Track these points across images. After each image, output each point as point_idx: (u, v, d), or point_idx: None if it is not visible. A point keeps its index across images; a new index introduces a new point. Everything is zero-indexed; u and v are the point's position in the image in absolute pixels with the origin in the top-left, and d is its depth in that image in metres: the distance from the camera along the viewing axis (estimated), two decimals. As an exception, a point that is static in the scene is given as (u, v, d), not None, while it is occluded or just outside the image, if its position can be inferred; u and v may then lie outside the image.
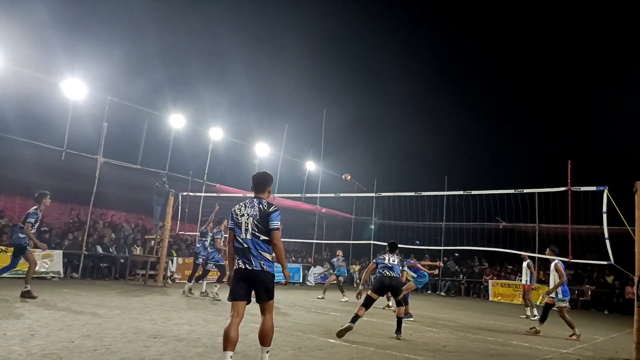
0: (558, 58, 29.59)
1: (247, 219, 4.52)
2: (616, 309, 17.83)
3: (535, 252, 16.54)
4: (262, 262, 4.44)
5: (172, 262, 15.40)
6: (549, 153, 24.37)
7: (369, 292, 7.85)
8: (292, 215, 22.95)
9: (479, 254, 21.77)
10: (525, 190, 11.80)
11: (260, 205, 4.55)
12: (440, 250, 20.23)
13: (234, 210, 4.64)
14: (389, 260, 8.09)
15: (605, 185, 9.48)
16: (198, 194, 16.32)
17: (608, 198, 9.37)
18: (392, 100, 31.72)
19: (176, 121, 17.14)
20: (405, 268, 9.42)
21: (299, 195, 17.81)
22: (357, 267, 22.32)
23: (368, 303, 7.73)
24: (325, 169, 23.79)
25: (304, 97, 27.51)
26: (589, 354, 7.56)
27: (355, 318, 7.32)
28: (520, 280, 14.79)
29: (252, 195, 4.75)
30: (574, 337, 9.00)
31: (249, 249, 4.45)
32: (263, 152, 20.84)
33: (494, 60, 31.21)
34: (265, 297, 4.48)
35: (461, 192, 13.23)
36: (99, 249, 14.80)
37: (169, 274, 14.73)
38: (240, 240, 4.50)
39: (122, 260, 15.02)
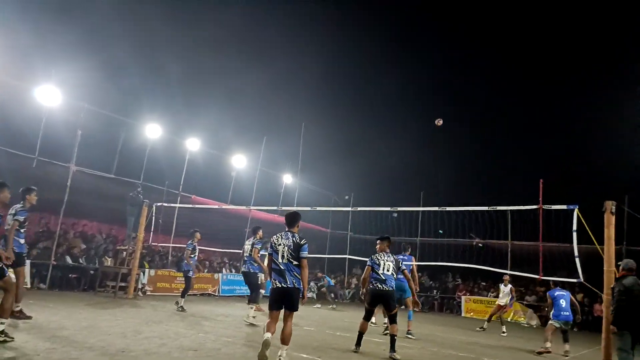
0: (532, 78, 30.36)
1: (284, 248, 6.10)
2: (585, 326, 18.13)
3: (507, 269, 16.75)
4: (294, 281, 5.99)
5: (144, 274, 15.10)
6: (522, 172, 24.82)
7: (366, 304, 7.88)
8: (268, 228, 22.81)
9: (453, 269, 21.95)
10: (499, 208, 11.99)
11: (294, 238, 6.16)
12: (416, 265, 20.34)
13: (272, 240, 6.26)
14: (383, 269, 7.50)
15: (576, 204, 9.69)
16: (173, 204, 16.11)
17: (578, 217, 9.58)
18: (370, 116, 32.01)
19: (152, 131, 16.95)
20: (403, 266, 8.11)
21: (275, 207, 17.72)
22: (332, 281, 22.25)
23: (368, 315, 7.76)
24: (302, 182, 23.79)
25: (283, 110, 27.56)
26: (558, 371, 7.66)
27: (359, 337, 7.54)
28: (496, 297, 15.08)
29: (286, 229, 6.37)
30: (543, 350, 9.53)
31: (284, 270, 6.02)
32: (240, 164, 20.73)
33: (469, 80, 31.83)
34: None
35: (436, 208, 13.37)
36: (68, 260, 14.43)
37: (139, 285, 14.44)
38: (278, 263, 6.08)
39: (92, 272, 14.65)
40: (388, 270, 7.54)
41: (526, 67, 30.13)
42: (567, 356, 9.38)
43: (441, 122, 13.56)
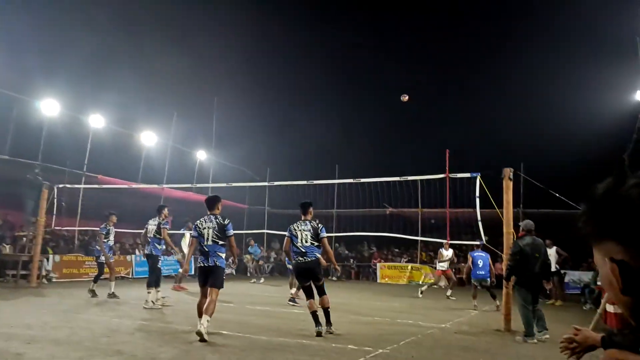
0: (435, 55, 31.68)
1: (208, 231, 6.59)
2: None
3: (418, 236, 17.64)
4: (216, 260, 6.54)
5: (48, 260, 14.15)
6: (429, 143, 26.00)
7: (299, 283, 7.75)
8: (182, 207, 22.17)
9: (368, 238, 22.75)
10: (409, 178, 12.47)
11: (217, 220, 6.66)
12: (332, 237, 20.86)
13: (197, 225, 6.71)
14: (301, 240, 7.00)
15: (478, 172, 10.33)
16: (77, 185, 15.12)
17: (480, 184, 10.24)
18: (283, 89, 31.82)
19: (49, 107, 15.65)
20: (324, 234, 7.20)
21: (189, 185, 17.23)
22: (249, 257, 22.20)
23: (308, 292, 7.04)
24: (217, 158, 23.28)
25: (194, 85, 26.58)
26: (464, 327, 8.26)
27: (315, 318, 6.75)
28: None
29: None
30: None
31: (209, 252, 6.54)
32: (150, 141, 19.83)
33: (379, 55, 32.57)
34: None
35: (351, 180, 13.65)
36: (-41, 250, 13.18)
37: (44, 272, 13.54)
38: (203, 246, 6.57)
39: (-12, 261, 13.50)
40: (307, 241, 7.01)
41: (429, 43, 31.33)
42: (498, 310, 10.10)
43: (407, 97, 13.22)
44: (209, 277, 6.53)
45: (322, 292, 7.04)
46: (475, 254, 11.18)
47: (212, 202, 6.85)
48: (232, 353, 5.53)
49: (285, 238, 7.32)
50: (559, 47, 26.62)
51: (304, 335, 6.73)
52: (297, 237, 7.06)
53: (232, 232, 6.70)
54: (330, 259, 7.39)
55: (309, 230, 7.08)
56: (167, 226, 9.79)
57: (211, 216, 6.73)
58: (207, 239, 6.57)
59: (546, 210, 16.58)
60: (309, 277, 7.03)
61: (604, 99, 19.96)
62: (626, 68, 16.99)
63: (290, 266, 9.11)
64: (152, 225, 9.79)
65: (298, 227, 7.14)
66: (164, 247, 9.86)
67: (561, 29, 26.45)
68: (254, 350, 5.72)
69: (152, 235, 9.69)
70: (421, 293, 13.86)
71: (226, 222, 6.67)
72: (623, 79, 17.50)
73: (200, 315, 6.36)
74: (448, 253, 14.56)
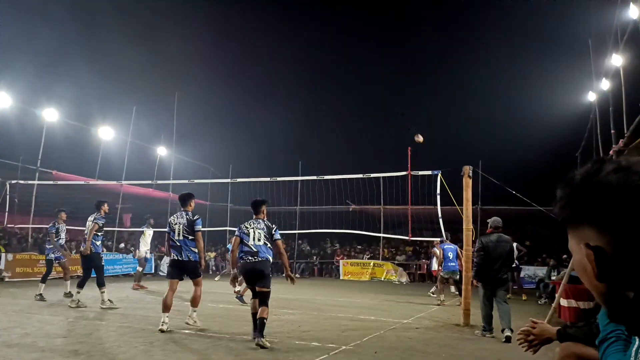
0: (398, 52, 32.09)
1: (179, 226, 6.99)
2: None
3: (380, 232, 17.84)
4: (189, 254, 6.95)
5: (0, 259, 13.58)
6: (392, 140, 26.36)
7: (245, 284, 7.44)
8: (142, 203, 21.67)
9: (331, 235, 22.85)
10: (372, 175, 12.60)
11: (187, 216, 7.09)
12: (296, 233, 20.85)
13: (170, 221, 7.12)
14: (253, 239, 6.30)
15: (439, 170, 10.53)
16: (30, 181, 14.56)
17: (441, 181, 10.45)
18: (245, 85, 31.57)
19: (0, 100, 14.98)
20: (278, 235, 6.49)
21: (149, 182, 16.86)
22: (212, 254, 21.96)
23: (255, 291, 6.34)
24: (177, 154, 22.86)
25: (154, 79, 26.02)
26: (426, 322, 8.41)
27: (254, 320, 6.13)
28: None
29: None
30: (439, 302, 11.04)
31: (181, 246, 6.92)
32: (108, 135, 19.26)
33: (342, 52, 32.74)
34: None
35: (314, 177, 13.69)
36: None
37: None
38: (175, 240, 6.96)
39: None
40: (259, 240, 6.34)
41: (392, 42, 31.73)
42: (460, 305, 10.26)
43: (421, 138, 11.74)
44: (184, 271, 7.04)
45: (263, 302, 6.08)
46: (445, 246, 11.19)
47: (183, 199, 7.30)
48: (194, 352, 5.45)
49: (234, 237, 6.49)
50: (516, 49, 27.44)
51: (268, 333, 6.70)
52: (248, 236, 6.34)
53: (200, 227, 7.10)
54: (284, 264, 6.62)
55: (263, 229, 6.41)
56: (101, 221, 9.15)
57: (182, 212, 7.20)
58: (178, 233, 6.96)
59: (503, 207, 17.09)
60: (256, 279, 6.25)
61: (559, 100, 20.69)
62: (579, 69, 17.66)
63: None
64: (90, 222, 9.18)
65: (250, 225, 6.43)
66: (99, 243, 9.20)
67: (518, 31, 27.26)
68: (217, 349, 5.66)
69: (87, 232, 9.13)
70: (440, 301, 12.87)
71: (195, 217, 7.12)
72: (576, 80, 18.18)
73: (165, 310, 6.62)
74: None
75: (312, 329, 7.23)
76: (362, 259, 21.81)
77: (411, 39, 31.37)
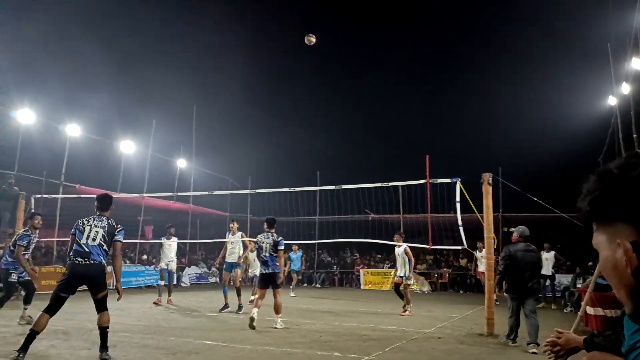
0: (416, 60, 32.05)
1: (267, 245, 8.18)
2: (469, 288, 19.83)
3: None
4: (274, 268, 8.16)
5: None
6: (410, 148, 26.26)
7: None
8: (163, 215, 21.91)
9: (351, 245, 22.77)
10: (391, 184, 12.56)
11: (272, 237, 8.22)
12: (315, 243, 20.86)
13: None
14: (265, 250, 8.18)
15: (458, 177, 10.46)
16: (54, 195, 14.85)
17: (460, 189, 10.37)
18: (264, 98, 31.85)
19: (24, 116, 15.36)
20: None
21: (170, 194, 17.05)
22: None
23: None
24: (197, 166, 23.12)
25: (173, 93, 26.42)
26: (448, 332, 8.32)
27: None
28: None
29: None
30: (407, 312, 10.32)
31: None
32: (129, 149, 19.59)
33: (359, 62, 32.88)
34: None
35: (333, 187, 13.68)
36: None
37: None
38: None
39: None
40: (266, 251, 8.17)
41: (410, 50, 31.71)
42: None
43: (313, 40, 10.71)
44: (269, 282, 8.16)
45: (101, 307, 5.49)
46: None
47: (270, 224, 8.43)
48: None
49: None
50: (536, 53, 27.23)
51: (290, 344, 6.71)
52: (262, 249, 8.20)
53: (283, 247, 8.27)
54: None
55: (270, 243, 8.22)
56: (24, 241, 7.67)
57: (268, 233, 8.30)
58: (265, 250, 8.17)
59: (525, 214, 16.85)
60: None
61: (579, 105, 20.44)
62: (599, 74, 17.43)
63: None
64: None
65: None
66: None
67: (538, 36, 27.03)
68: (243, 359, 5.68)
69: (10, 246, 7.99)
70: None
71: (279, 239, 8.22)
72: (596, 85, 17.94)
73: (256, 307, 7.97)
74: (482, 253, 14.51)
75: (334, 339, 7.21)
76: (383, 268, 21.68)
77: (429, 44, 31.31)
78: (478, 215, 8.84)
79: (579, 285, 12.10)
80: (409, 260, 10.60)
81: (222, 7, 28.38)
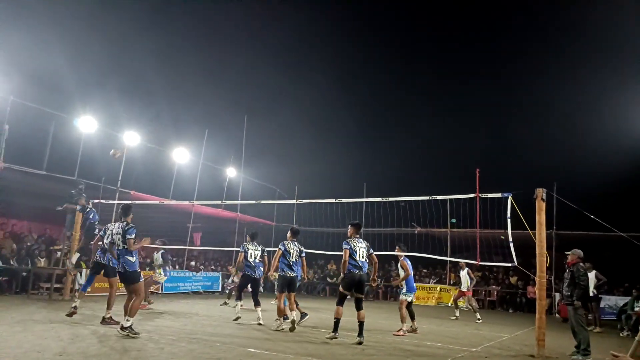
0: (466, 73, 31.50)
1: (294, 252, 9.30)
2: (519, 307, 19.12)
3: (447, 256, 17.37)
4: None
5: (81, 274, 14.46)
6: (459, 162, 25.76)
7: (341, 288, 8.42)
8: (211, 223, 22.44)
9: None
10: (439, 197, 12.34)
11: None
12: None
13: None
14: (293, 257, 9.12)
15: (510, 192, 10.14)
16: (111, 201, 15.49)
17: (512, 204, 10.04)
18: (312, 109, 32.12)
19: (86, 124, 16.14)
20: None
21: (219, 202, 17.43)
22: (277, 274, 22.20)
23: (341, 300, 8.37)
24: (246, 175, 23.56)
25: (225, 103, 27.13)
26: (496, 352, 8.04)
27: (336, 324, 8.15)
28: (458, 287, 15.56)
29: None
30: (401, 333, 9.41)
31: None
32: (182, 157, 20.22)
33: (407, 76, 32.62)
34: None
35: (379, 199, 13.59)
36: (-2, 262, 13.59)
37: (77, 287, 13.82)
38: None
39: (24, 273, 13.89)
40: (362, 257, 8.32)
41: (459, 63, 31.24)
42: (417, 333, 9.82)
43: (118, 153, 14.36)
44: (292, 285, 9.26)
45: (359, 307, 8.19)
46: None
47: (295, 233, 9.55)
48: None
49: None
50: (593, 64, 26.14)
51: (333, 355, 6.67)
52: (290, 254, 9.11)
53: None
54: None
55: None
56: (135, 233, 7.88)
57: (294, 241, 9.33)
58: (292, 256, 9.19)
59: (580, 232, 16.12)
60: (357, 288, 8.45)
61: (637, 118, 19.45)
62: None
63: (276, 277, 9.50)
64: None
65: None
66: None
67: (595, 46, 26.00)
68: None
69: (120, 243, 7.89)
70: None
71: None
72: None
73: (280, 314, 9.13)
74: (463, 273, 14.22)
75: (377, 353, 7.12)
76: (428, 283, 21.27)
77: (482, 58, 30.75)
78: (530, 232, 8.53)
79: (637, 309, 11.45)
80: (404, 272, 10.20)
81: (274, 17, 28.95)
